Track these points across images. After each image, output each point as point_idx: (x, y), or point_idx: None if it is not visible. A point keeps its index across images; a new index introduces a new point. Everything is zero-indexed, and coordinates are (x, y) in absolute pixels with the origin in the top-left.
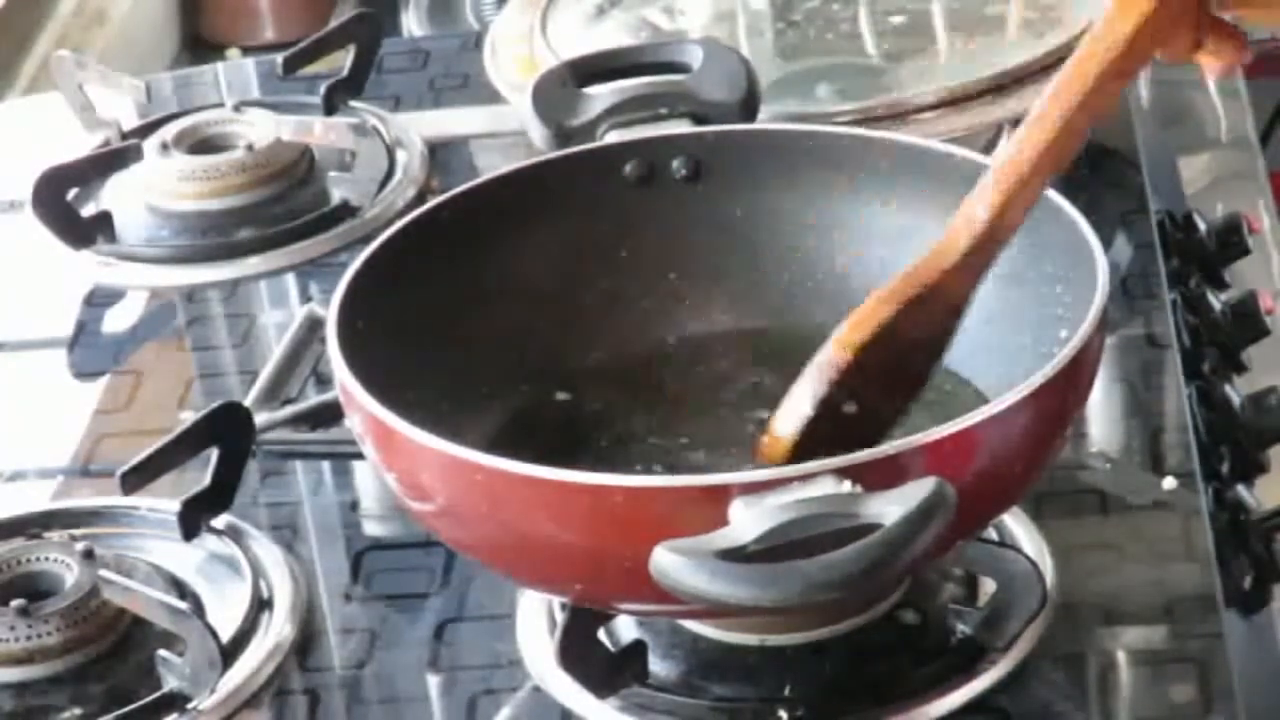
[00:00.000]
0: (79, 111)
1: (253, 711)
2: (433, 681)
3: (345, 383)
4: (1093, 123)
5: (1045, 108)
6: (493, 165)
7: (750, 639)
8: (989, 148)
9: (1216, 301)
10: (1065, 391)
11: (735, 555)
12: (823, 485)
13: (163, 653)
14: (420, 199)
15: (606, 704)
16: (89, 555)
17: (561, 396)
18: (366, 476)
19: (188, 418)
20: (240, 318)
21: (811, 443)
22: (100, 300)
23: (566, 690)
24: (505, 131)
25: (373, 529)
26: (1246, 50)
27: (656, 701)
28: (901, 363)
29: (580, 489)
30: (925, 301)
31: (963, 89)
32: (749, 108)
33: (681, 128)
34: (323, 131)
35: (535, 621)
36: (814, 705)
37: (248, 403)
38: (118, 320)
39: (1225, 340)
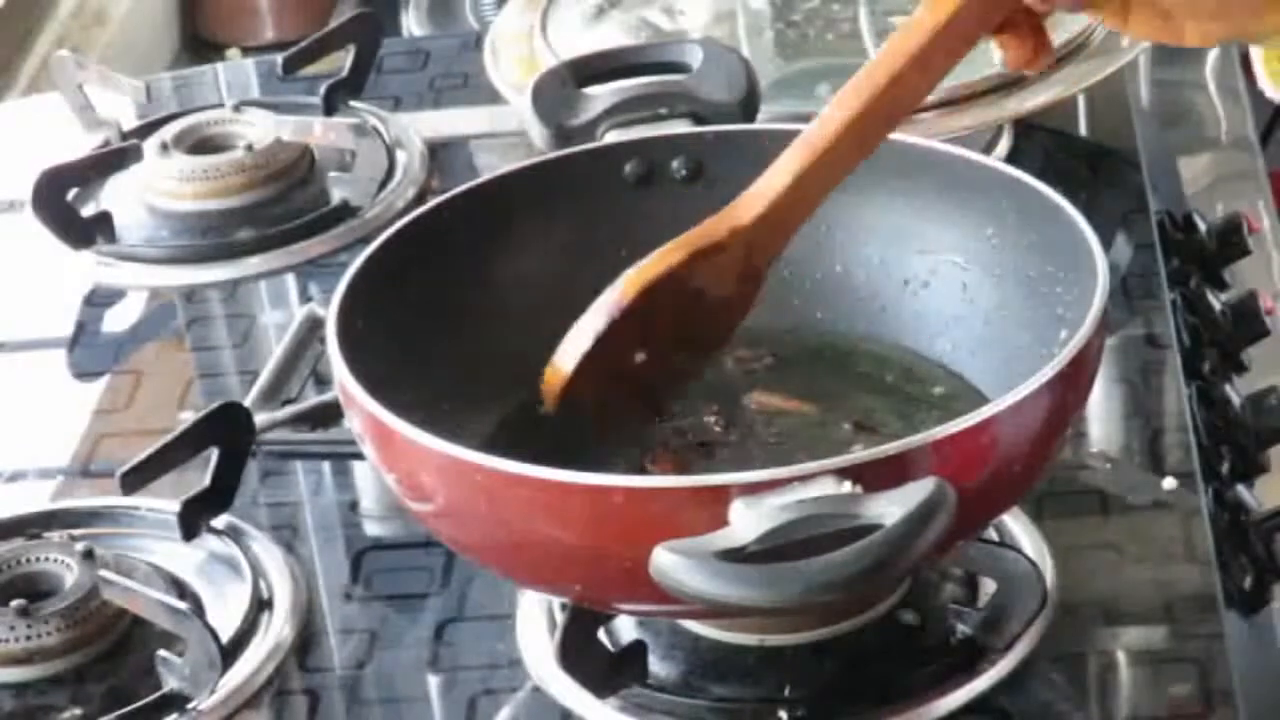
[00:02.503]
0: (79, 111)
1: (253, 711)
2: (433, 681)
3: (345, 383)
4: (901, 109)
5: (851, 87)
6: (493, 165)
7: (750, 639)
8: (989, 148)
9: (1216, 301)
10: (1065, 391)
11: (735, 556)
12: (823, 485)
13: (163, 653)
14: (420, 199)
15: (606, 704)
16: (89, 555)
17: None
18: (366, 476)
19: (188, 418)
20: (240, 318)
21: (596, 383)
22: (100, 300)
23: (566, 690)
24: (505, 131)
25: (373, 529)
26: (1046, 56)
27: (656, 701)
28: (694, 319)
29: (580, 489)
30: (716, 255)
31: (963, 89)
32: (749, 108)
33: (681, 128)
34: (323, 131)
35: (535, 621)
36: (814, 705)
37: (248, 403)
38: (118, 320)
39: (1225, 340)
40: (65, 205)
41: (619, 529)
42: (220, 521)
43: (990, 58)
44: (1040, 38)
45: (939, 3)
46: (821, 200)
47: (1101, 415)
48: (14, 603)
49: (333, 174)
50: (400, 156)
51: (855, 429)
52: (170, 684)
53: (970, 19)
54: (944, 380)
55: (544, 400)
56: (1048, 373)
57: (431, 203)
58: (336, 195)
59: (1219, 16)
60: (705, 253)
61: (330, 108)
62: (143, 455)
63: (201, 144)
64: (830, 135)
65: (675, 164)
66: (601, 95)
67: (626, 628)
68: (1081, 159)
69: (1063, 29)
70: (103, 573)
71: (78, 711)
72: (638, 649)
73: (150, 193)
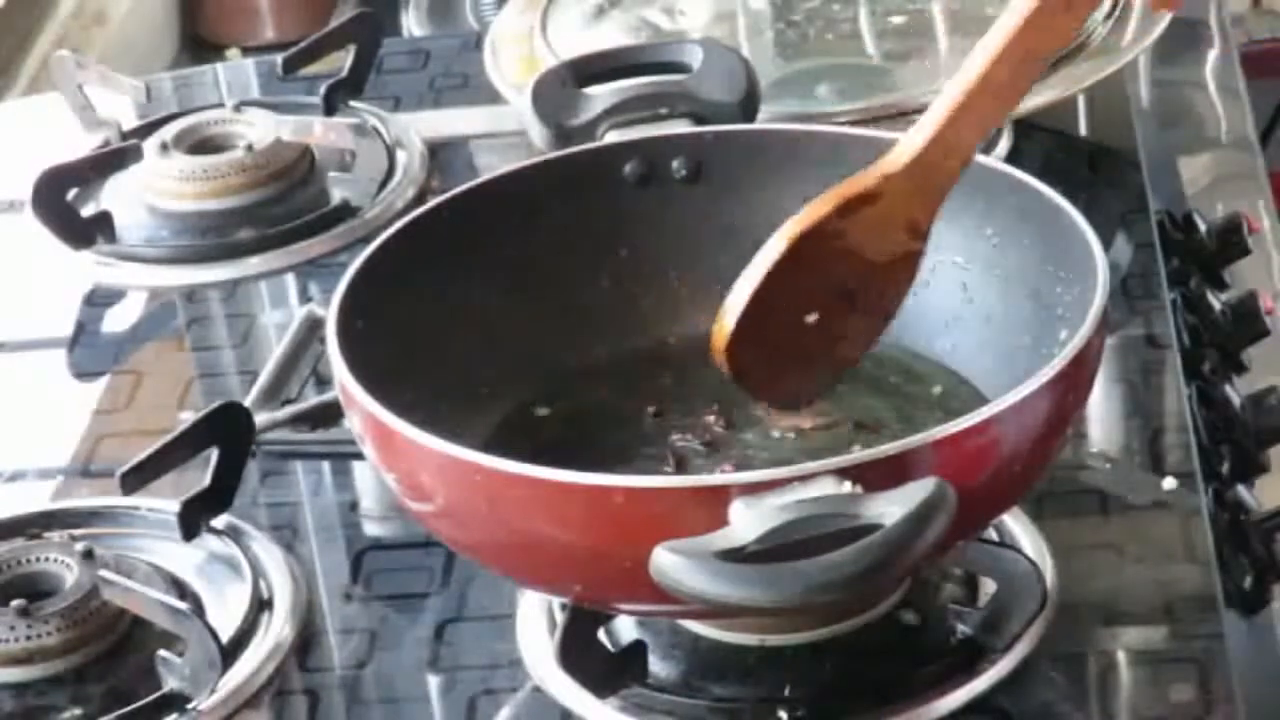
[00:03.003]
0: (79, 111)
1: (253, 711)
2: (433, 681)
3: (345, 383)
4: (1046, 44)
5: (990, 33)
6: (493, 165)
7: (750, 639)
8: (989, 148)
9: (1216, 301)
10: (1065, 391)
11: (735, 556)
12: (823, 485)
13: (163, 653)
14: (420, 199)
15: (606, 704)
16: (89, 555)
17: (561, 396)
18: (366, 476)
19: (188, 418)
20: (240, 318)
21: (768, 342)
22: (100, 300)
23: (566, 690)
24: (505, 131)
25: (373, 529)
26: None
27: (656, 701)
28: (861, 279)
29: (580, 489)
30: (868, 206)
31: None
32: (749, 108)
33: (681, 128)
34: (323, 131)
35: (535, 621)
36: (814, 705)
37: (248, 403)
38: (118, 320)
39: (1225, 340)
40: (65, 205)
41: (619, 529)
42: (220, 521)
43: None
44: None
45: None
46: (973, 151)
47: (1101, 415)
48: (14, 603)
49: (333, 174)
50: (400, 156)
51: (855, 429)
52: (170, 684)
53: None
54: (944, 380)
55: (715, 359)
56: (1048, 373)
57: (431, 203)
58: (336, 195)
59: None
60: (855, 201)
61: (330, 108)
62: (143, 455)
63: (201, 144)
64: (975, 77)
65: (675, 164)
66: (601, 95)
67: (626, 628)
68: (1081, 159)
69: None
70: (103, 573)
71: (78, 711)
72: (638, 649)
73: (150, 193)
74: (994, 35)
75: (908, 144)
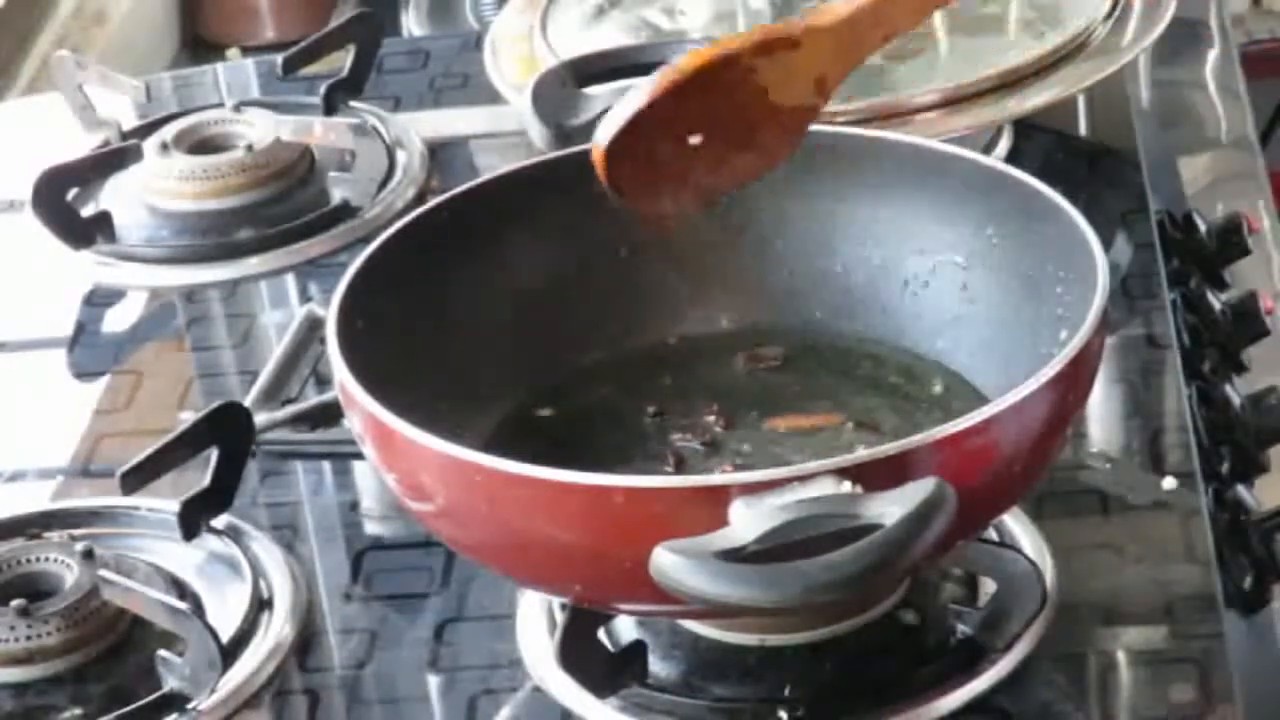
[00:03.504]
0: (79, 111)
1: (253, 711)
2: (433, 681)
3: (345, 383)
4: None
5: None
6: (493, 165)
7: (750, 639)
8: (989, 148)
9: (1216, 301)
10: (1065, 391)
11: (735, 556)
12: (823, 485)
13: (163, 653)
14: (420, 199)
15: (606, 704)
16: (89, 555)
17: (561, 396)
18: (366, 476)
19: (188, 418)
20: (240, 318)
21: (648, 155)
22: (100, 300)
23: (566, 690)
24: (505, 131)
25: (373, 529)
26: None
27: (656, 701)
28: (756, 118)
29: (580, 489)
30: (786, 52)
31: (963, 89)
32: None
33: None
34: (323, 131)
35: (535, 621)
36: (814, 705)
37: (248, 403)
38: (118, 320)
39: (1225, 340)
40: (65, 205)
41: (619, 529)
42: (220, 521)
43: (990, 58)
44: None
45: None
46: (900, 30)
47: (1101, 415)
48: (14, 603)
49: (333, 174)
50: (400, 156)
51: (855, 429)
52: (170, 684)
53: None
54: (944, 380)
55: (595, 168)
56: (1048, 373)
57: (431, 203)
58: (336, 195)
59: None
60: (774, 45)
61: (330, 108)
62: (143, 455)
63: (201, 144)
64: None
65: None
66: (601, 95)
67: (626, 628)
68: (1081, 159)
69: (1062, 29)
70: (103, 573)
71: (78, 711)
72: (638, 649)
73: (150, 193)
74: None
75: (842, 4)
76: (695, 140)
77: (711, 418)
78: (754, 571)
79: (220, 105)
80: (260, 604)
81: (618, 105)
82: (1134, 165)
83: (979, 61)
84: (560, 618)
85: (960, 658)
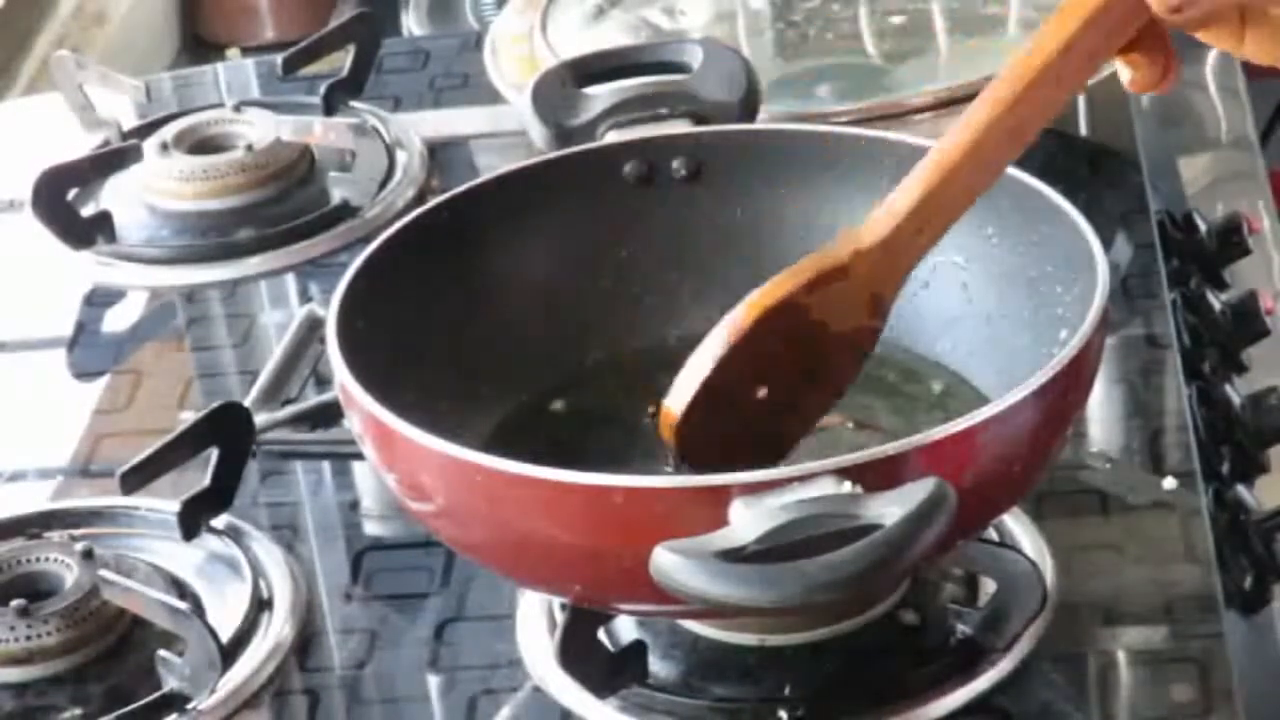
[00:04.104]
0: (79, 111)
1: (253, 711)
2: (433, 681)
3: (345, 383)
4: (1029, 127)
5: (978, 104)
6: (493, 165)
7: (750, 639)
8: None
9: (1216, 301)
10: (1065, 391)
11: (735, 556)
12: (823, 485)
13: (163, 653)
14: (420, 199)
15: (606, 704)
16: (89, 555)
17: (561, 396)
18: (366, 476)
19: (188, 418)
20: (240, 318)
21: (715, 416)
22: (100, 300)
23: (566, 690)
24: (505, 131)
25: (373, 529)
26: (1175, 77)
27: (656, 701)
28: (818, 355)
29: (580, 489)
30: (838, 281)
31: (963, 89)
32: (749, 108)
33: (681, 128)
34: (323, 131)
35: (535, 621)
36: (814, 705)
37: (248, 403)
38: (118, 320)
39: (1225, 340)
40: (65, 205)
41: (619, 529)
42: (220, 521)
43: (990, 58)
44: (1170, 58)
45: (1065, 16)
46: (946, 228)
47: (1101, 415)
48: (14, 603)
49: (333, 174)
50: (400, 156)
51: (855, 428)
52: (170, 684)
53: (1098, 34)
54: (943, 380)
55: (661, 433)
56: (1048, 373)
57: (431, 203)
58: (336, 195)
59: None
60: (827, 277)
61: (330, 108)
62: (143, 455)
63: (201, 144)
64: (955, 158)
65: (675, 164)
66: (601, 95)
67: (626, 628)
68: (1081, 159)
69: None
70: (103, 573)
71: (78, 711)
72: (638, 649)
73: (150, 193)
74: (978, 111)
75: (882, 220)
76: (762, 393)
77: None
78: (754, 571)
79: (220, 105)
80: (260, 604)
81: (682, 374)
82: (1134, 165)
83: (979, 61)
84: (560, 618)
85: (960, 658)
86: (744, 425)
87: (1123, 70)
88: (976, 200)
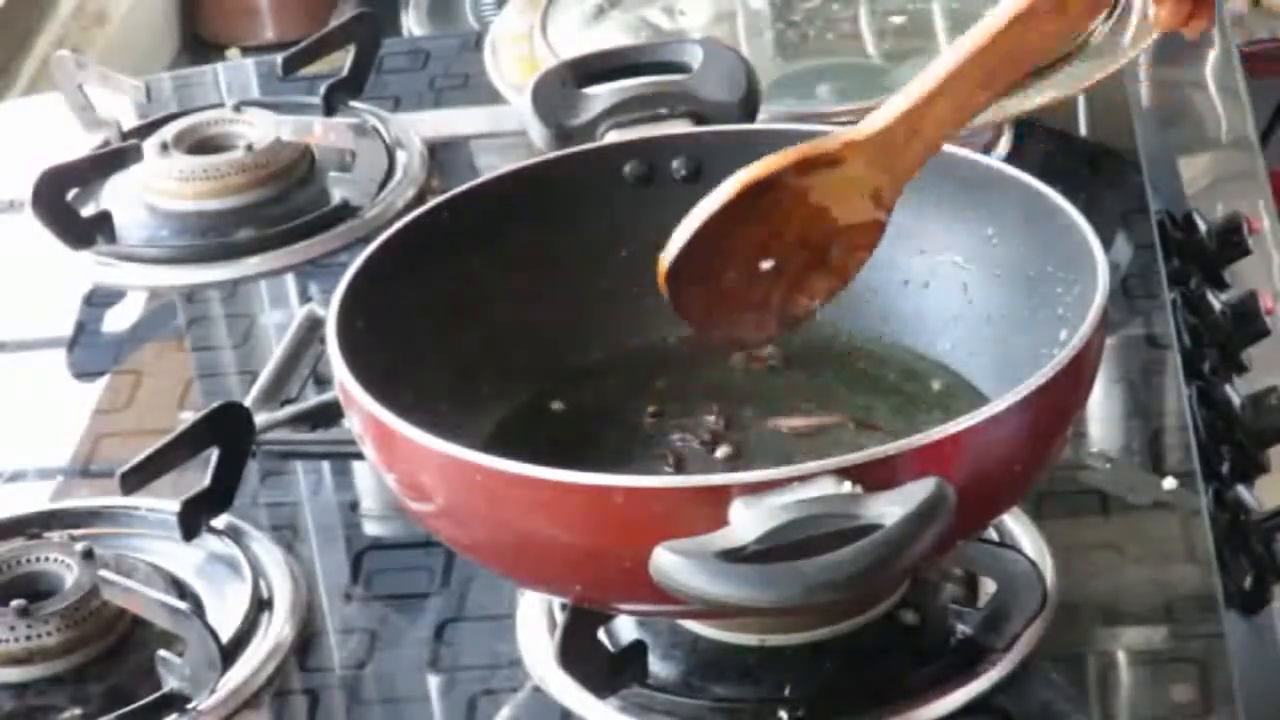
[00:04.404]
0: (79, 111)
1: (253, 711)
2: (433, 681)
3: (345, 383)
4: (1029, 49)
5: (978, 25)
6: (493, 165)
7: (750, 639)
8: (989, 148)
9: (1216, 301)
10: (1065, 391)
11: (735, 556)
12: (823, 485)
13: (163, 653)
14: (420, 199)
15: (606, 704)
16: (89, 555)
17: (561, 396)
18: (366, 476)
19: (188, 418)
20: (240, 318)
21: (714, 278)
22: (100, 300)
23: (566, 690)
24: (505, 131)
25: (373, 529)
26: (1203, 19)
27: (656, 701)
28: (821, 239)
29: (580, 489)
30: (830, 167)
31: None
32: (749, 108)
33: (681, 128)
34: (323, 131)
35: (535, 621)
36: (814, 705)
37: (248, 403)
38: (118, 320)
39: (1225, 340)
40: (65, 205)
41: (619, 529)
42: (220, 521)
43: None
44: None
45: None
46: (944, 136)
47: (1101, 415)
48: (14, 603)
49: (333, 174)
50: (400, 156)
51: (855, 429)
52: (170, 684)
53: None
54: (944, 379)
55: (659, 286)
56: (1048, 373)
57: (431, 203)
58: (336, 195)
59: None
60: (815, 161)
61: (330, 108)
62: (143, 455)
63: (201, 144)
64: (950, 66)
65: (675, 164)
66: (601, 95)
67: (626, 628)
68: (1081, 159)
69: None
70: (103, 573)
71: (78, 711)
72: (638, 649)
73: (150, 193)
74: (979, 28)
75: (875, 118)
76: (766, 265)
77: (711, 418)
78: (754, 571)
79: (220, 105)
80: (260, 604)
81: (676, 230)
82: (1134, 165)
83: None
84: (560, 618)
85: (960, 658)
86: (749, 294)
87: (1155, 6)
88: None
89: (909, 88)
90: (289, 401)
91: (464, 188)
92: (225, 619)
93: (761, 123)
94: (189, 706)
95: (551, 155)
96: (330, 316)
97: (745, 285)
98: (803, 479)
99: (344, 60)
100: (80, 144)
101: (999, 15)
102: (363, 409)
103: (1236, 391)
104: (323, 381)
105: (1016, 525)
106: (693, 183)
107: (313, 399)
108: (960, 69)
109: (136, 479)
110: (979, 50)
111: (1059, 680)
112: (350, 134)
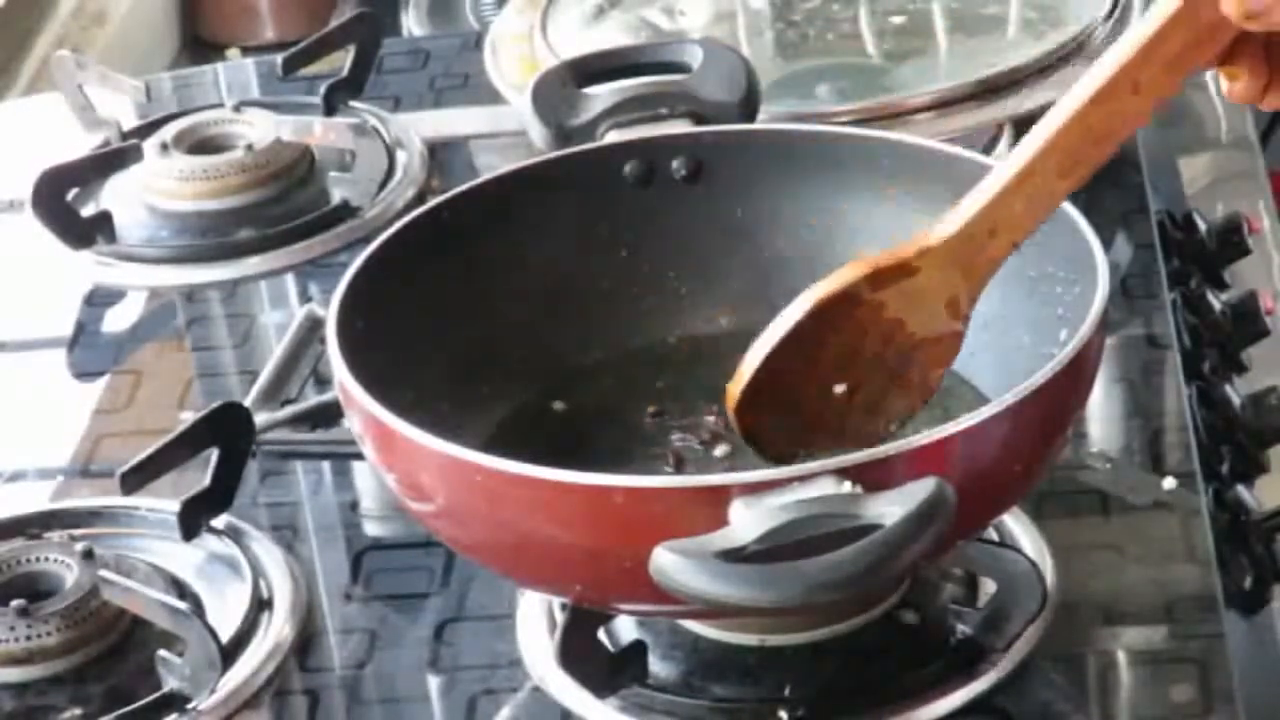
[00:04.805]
0: (79, 111)
1: (253, 711)
2: (433, 681)
3: (345, 383)
4: (1110, 131)
5: (1055, 108)
6: (493, 165)
7: (750, 639)
8: (989, 148)
9: (1216, 301)
10: (1065, 391)
11: (735, 556)
12: (823, 485)
13: (163, 653)
14: (420, 199)
15: (606, 704)
16: (89, 555)
17: (561, 396)
18: (366, 476)
19: (188, 418)
20: (240, 318)
21: (787, 403)
22: (100, 300)
23: (566, 690)
24: (505, 131)
25: (373, 529)
26: (1274, 93)
27: (656, 701)
28: (901, 355)
29: (580, 489)
30: (905, 279)
31: (962, 89)
32: (749, 108)
33: (681, 128)
34: (323, 131)
35: (535, 621)
36: (814, 705)
37: (248, 403)
38: (118, 320)
39: (1225, 340)
40: (65, 205)
41: (619, 529)
42: (220, 521)
43: (990, 58)
44: (1275, 72)
45: (1148, 18)
46: (1026, 232)
47: (1101, 415)
48: (14, 603)
49: (333, 174)
50: (400, 156)
51: None
52: (170, 684)
53: (1178, 41)
54: (943, 379)
55: (729, 418)
56: (1048, 373)
57: (431, 203)
58: (336, 195)
59: None
60: (889, 272)
61: (330, 108)
62: (143, 455)
63: (201, 144)
64: (1028, 158)
65: (675, 164)
66: (601, 95)
67: (626, 628)
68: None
69: (1062, 29)
70: (103, 573)
71: (78, 711)
72: (638, 649)
73: (150, 193)
74: (1054, 115)
75: (952, 219)
76: (840, 389)
77: (711, 418)
78: (754, 571)
79: (220, 105)
80: (260, 604)
81: (745, 357)
82: (1134, 165)
83: (979, 61)
84: (560, 618)
85: (960, 658)
86: (820, 418)
87: (1223, 80)
88: (1061, 208)
89: (985, 183)
90: (289, 401)
91: (464, 188)
92: (225, 619)
93: (761, 123)
94: (189, 706)
95: (551, 155)
96: (330, 316)
97: (818, 410)
98: (803, 479)
99: (344, 60)
100: (80, 144)
101: (1074, 99)
102: (363, 409)
103: (1236, 391)
104: (323, 381)
105: (1016, 525)
106: (693, 183)
107: (313, 399)
108: (1039, 160)
109: (136, 479)
110: (1057, 138)
111: (1059, 680)
112: (350, 134)
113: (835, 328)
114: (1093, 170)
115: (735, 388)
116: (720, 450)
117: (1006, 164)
